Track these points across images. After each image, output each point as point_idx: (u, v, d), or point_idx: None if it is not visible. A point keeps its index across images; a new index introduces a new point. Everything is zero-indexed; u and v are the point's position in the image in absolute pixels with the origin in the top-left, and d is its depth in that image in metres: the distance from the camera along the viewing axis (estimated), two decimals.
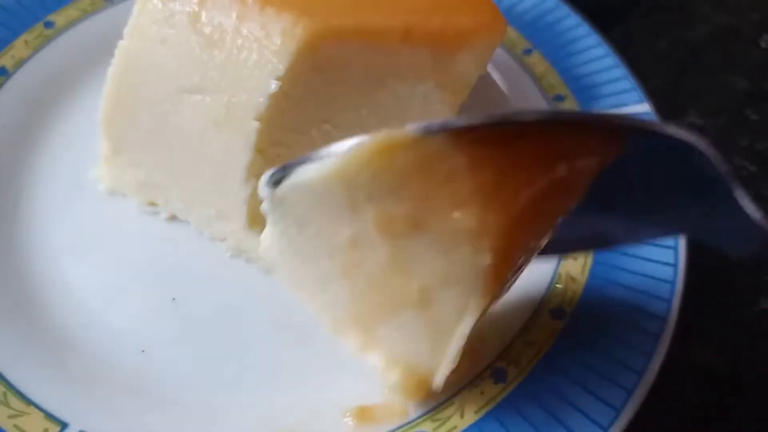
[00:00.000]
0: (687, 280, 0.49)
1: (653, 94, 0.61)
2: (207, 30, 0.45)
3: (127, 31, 0.48)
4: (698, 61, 0.76)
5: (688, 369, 0.52)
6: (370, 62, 0.47)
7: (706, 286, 0.55)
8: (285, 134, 0.47)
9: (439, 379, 0.40)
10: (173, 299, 0.50)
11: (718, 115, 0.70)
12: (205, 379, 0.46)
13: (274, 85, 0.44)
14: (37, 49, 0.61)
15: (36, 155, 0.57)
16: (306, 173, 0.36)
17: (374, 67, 0.47)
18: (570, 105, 0.59)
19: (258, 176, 0.47)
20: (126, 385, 0.46)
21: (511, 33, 0.63)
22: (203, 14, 0.45)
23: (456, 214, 0.33)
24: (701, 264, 0.52)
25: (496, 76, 0.61)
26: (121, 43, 0.48)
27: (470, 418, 0.42)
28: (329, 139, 0.49)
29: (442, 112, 0.51)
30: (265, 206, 0.40)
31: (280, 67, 0.43)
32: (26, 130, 0.58)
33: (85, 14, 0.64)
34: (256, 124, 0.45)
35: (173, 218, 0.53)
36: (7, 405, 0.43)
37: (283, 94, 0.44)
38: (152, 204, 0.54)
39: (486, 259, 0.34)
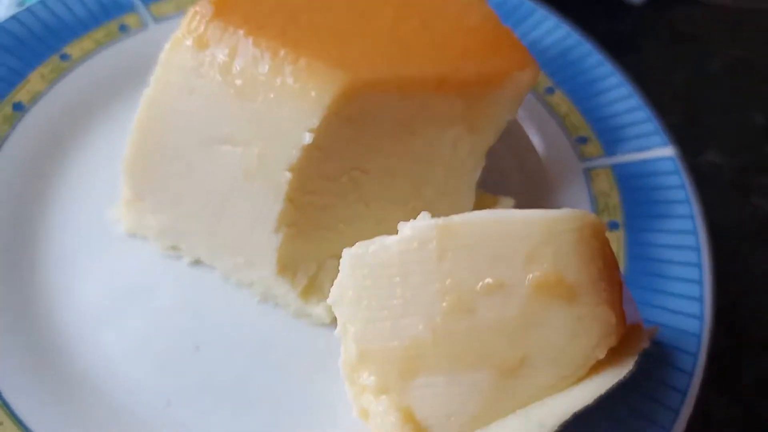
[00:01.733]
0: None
1: (671, 131, 0.60)
2: (238, 81, 0.44)
3: (152, 79, 0.47)
4: (714, 96, 0.76)
5: (712, 420, 0.52)
6: (401, 111, 0.47)
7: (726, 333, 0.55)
8: (315, 182, 0.47)
9: None
10: (197, 347, 0.49)
11: (736, 153, 0.70)
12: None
13: (308, 138, 0.43)
14: (52, 83, 0.61)
15: (54, 193, 0.56)
16: None
17: (406, 115, 0.47)
18: (593, 147, 0.59)
19: (288, 224, 0.47)
20: None
21: None
22: (235, 65, 0.44)
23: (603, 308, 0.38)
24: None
25: (519, 115, 0.61)
26: (147, 92, 0.48)
27: None
28: (358, 184, 0.49)
29: (472, 155, 0.51)
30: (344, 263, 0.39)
31: (314, 120, 0.43)
32: (44, 166, 0.57)
33: (101, 45, 0.64)
34: (288, 175, 0.45)
35: (197, 262, 0.53)
36: None
37: (315, 146, 0.44)
38: (175, 248, 0.53)
39: (600, 354, 0.38)
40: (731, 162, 0.69)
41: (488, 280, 0.38)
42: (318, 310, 0.50)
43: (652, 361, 0.47)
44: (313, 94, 0.43)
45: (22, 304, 0.50)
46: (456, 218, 0.38)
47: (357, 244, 0.39)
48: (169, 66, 0.46)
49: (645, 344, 0.41)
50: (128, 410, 0.46)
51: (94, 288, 0.51)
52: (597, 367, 0.39)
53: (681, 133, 0.70)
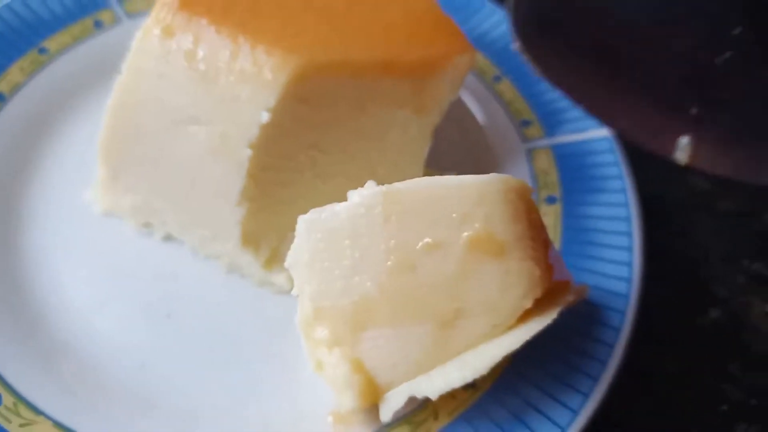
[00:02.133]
0: (642, 293, 0.54)
1: None
2: (202, 66, 0.49)
3: (124, 66, 0.51)
4: None
5: (642, 372, 0.57)
6: (352, 92, 0.51)
7: (661, 297, 0.60)
8: (275, 160, 0.51)
9: (404, 393, 0.43)
10: (168, 315, 0.53)
11: None
12: (201, 390, 0.50)
13: (265, 117, 0.48)
14: (31, 75, 0.65)
15: (33, 177, 0.60)
16: None
17: (357, 96, 0.52)
18: (535, 130, 0.64)
19: (250, 199, 0.51)
20: (128, 396, 0.49)
21: (483, 61, 0.68)
22: (199, 52, 0.49)
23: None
24: (657, 276, 0.57)
25: (469, 101, 0.66)
26: (120, 78, 0.52)
27: (443, 420, 0.47)
28: (315, 162, 0.53)
29: (419, 135, 0.55)
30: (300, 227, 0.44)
31: (271, 100, 0.47)
32: (23, 153, 0.61)
33: (77, 40, 0.67)
34: (249, 152, 0.49)
35: (168, 238, 0.57)
36: (18, 415, 0.46)
37: (273, 124, 0.48)
38: (147, 225, 0.57)
39: (527, 304, 0.42)
40: None
41: (427, 239, 0.42)
42: (280, 279, 0.54)
43: (584, 319, 0.52)
44: (269, 76, 0.47)
45: (4, 278, 0.54)
46: (399, 185, 0.43)
47: (311, 210, 0.44)
48: (139, 53, 0.50)
49: (571, 298, 0.46)
50: (105, 371, 0.50)
51: (72, 263, 0.55)
52: (525, 317, 0.43)
53: None
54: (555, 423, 0.46)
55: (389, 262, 0.43)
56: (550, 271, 0.45)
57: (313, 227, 0.44)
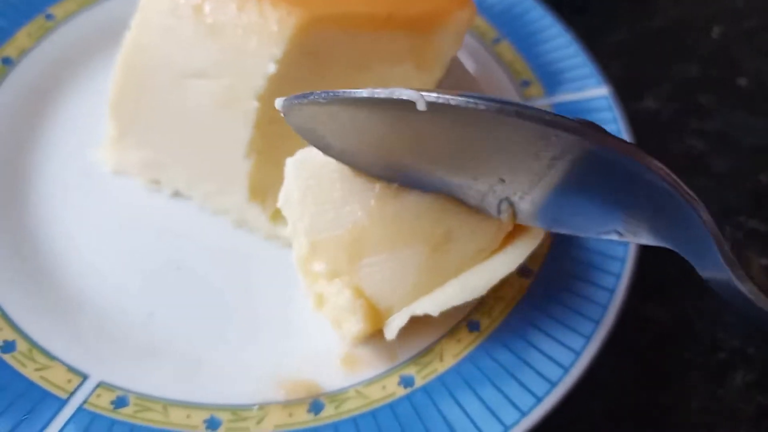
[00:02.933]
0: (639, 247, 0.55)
1: (613, 80, 0.67)
2: (209, 20, 0.50)
3: (133, 21, 0.52)
4: (654, 50, 0.82)
5: (642, 321, 0.58)
6: (354, 46, 0.52)
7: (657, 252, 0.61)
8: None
9: (402, 317, 0.45)
10: (178, 268, 0.55)
11: (672, 100, 0.77)
12: (206, 338, 0.51)
13: (272, 68, 0.49)
14: (39, 40, 0.65)
15: (41, 140, 0.61)
16: None
17: (358, 50, 0.52)
18: (535, 89, 0.65)
19: (258, 152, 0.52)
20: (137, 342, 0.50)
21: (482, 23, 0.69)
22: (206, 6, 0.50)
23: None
24: None
25: (468, 63, 0.67)
26: (128, 33, 0.53)
27: (449, 362, 0.48)
28: None
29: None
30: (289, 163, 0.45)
31: (277, 52, 0.48)
32: (32, 115, 0.62)
33: (83, 7, 0.68)
34: (256, 104, 0.50)
35: (177, 195, 0.58)
36: (33, 360, 0.47)
37: (279, 76, 0.49)
38: (156, 182, 0.58)
39: (508, 227, 0.44)
40: (668, 107, 0.76)
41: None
42: (287, 232, 0.55)
43: (584, 266, 0.53)
44: (275, 28, 0.48)
45: (16, 235, 0.55)
46: None
47: (298, 151, 0.45)
48: (147, 8, 0.51)
49: None
50: (114, 319, 0.51)
51: (82, 220, 0.56)
52: (509, 240, 0.45)
53: (622, 82, 0.76)
54: (558, 363, 0.47)
55: (376, 189, 0.44)
56: None
57: (302, 165, 0.45)
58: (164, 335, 0.51)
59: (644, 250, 0.55)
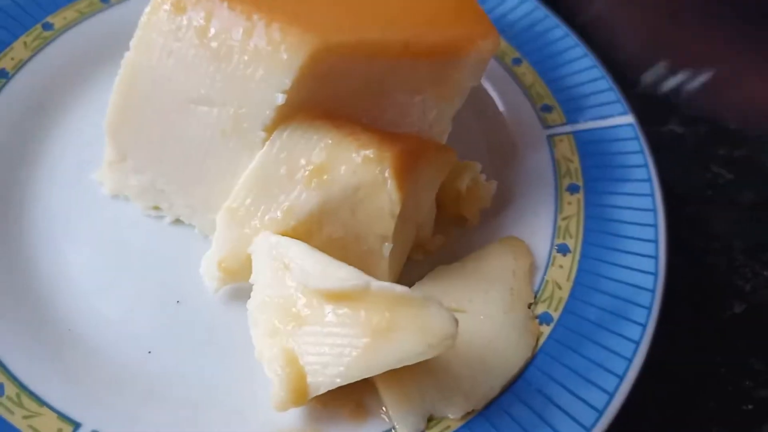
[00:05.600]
0: (666, 288, 0.52)
1: (637, 101, 0.63)
2: (214, 44, 0.46)
3: (133, 42, 0.49)
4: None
5: (666, 370, 0.55)
6: (371, 73, 0.49)
7: (682, 292, 0.58)
8: None
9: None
10: (178, 301, 0.52)
11: (698, 123, 0.73)
12: (208, 378, 0.48)
13: (280, 99, 0.46)
14: (36, 51, 0.62)
15: (38, 157, 0.58)
16: None
17: (375, 77, 0.49)
18: (557, 115, 0.61)
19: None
20: (133, 385, 0.47)
21: (501, 43, 0.65)
22: (211, 29, 0.46)
23: None
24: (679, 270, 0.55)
25: (487, 85, 0.64)
26: (128, 54, 0.49)
27: (465, 418, 0.45)
28: None
29: (438, 121, 0.53)
30: None
31: (287, 81, 0.45)
32: (28, 131, 0.59)
33: (83, 16, 0.65)
34: (262, 135, 0.47)
35: (177, 222, 0.55)
36: (21, 406, 0.44)
37: (289, 106, 0.46)
38: (156, 208, 0.55)
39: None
40: (693, 132, 0.72)
41: None
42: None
43: (608, 314, 0.50)
44: (284, 56, 0.45)
45: (8, 262, 0.52)
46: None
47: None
48: (148, 29, 0.48)
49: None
50: (111, 358, 0.48)
51: (80, 247, 0.54)
52: None
53: (646, 104, 0.73)
54: (579, 423, 0.44)
55: None
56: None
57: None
58: (162, 376, 0.48)
59: (665, 295, 0.52)
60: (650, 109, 0.72)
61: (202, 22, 0.47)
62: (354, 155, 0.46)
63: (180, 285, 0.52)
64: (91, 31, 0.65)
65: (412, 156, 0.48)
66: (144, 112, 0.51)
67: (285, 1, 0.47)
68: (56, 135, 0.60)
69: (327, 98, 0.48)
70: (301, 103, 0.47)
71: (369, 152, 0.46)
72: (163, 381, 0.48)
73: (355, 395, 0.46)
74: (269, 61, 0.45)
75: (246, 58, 0.46)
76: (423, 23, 0.50)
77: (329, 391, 0.44)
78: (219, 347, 0.50)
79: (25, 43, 0.62)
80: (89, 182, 0.57)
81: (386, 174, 0.45)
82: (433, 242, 0.55)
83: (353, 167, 0.46)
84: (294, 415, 0.46)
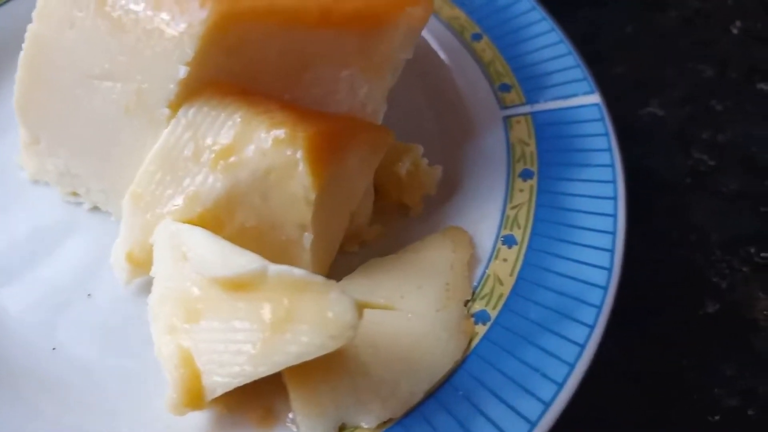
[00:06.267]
0: (633, 283, 0.47)
1: (615, 82, 0.58)
2: (115, 13, 0.42)
3: (35, 12, 0.45)
4: (666, 48, 0.73)
5: (632, 374, 0.50)
6: (288, 45, 0.44)
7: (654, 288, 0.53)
8: None
9: None
10: (89, 294, 0.48)
11: (681, 105, 0.68)
12: (116, 380, 0.44)
13: (183, 71, 0.41)
14: None
15: None
16: None
17: (294, 49, 0.45)
18: (515, 95, 0.56)
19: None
20: (38, 381, 0.44)
21: (461, 16, 0.60)
22: None
23: None
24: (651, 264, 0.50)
25: (442, 62, 0.59)
26: (31, 26, 0.46)
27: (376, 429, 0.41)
28: None
29: (370, 99, 0.48)
30: None
31: (188, 52, 0.41)
32: None
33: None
34: (167, 112, 0.43)
35: (95, 209, 0.51)
36: None
37: (194, 78, 0.42)
38: (74, 194, 0.52)
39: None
40: (675, 114, 0.67)
41: None
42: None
43: (554, 313, 0.45)
44: (185, 25, 0.41)
45: None
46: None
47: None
48: None
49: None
50: (12, 358, 0.45)
51: None
52: None
53: (625, 84, 0.67)
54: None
55: None
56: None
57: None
58: (67, 375, 0.44)
59: (634, 292, 0.47)
60: (629, 90, 0.67)
61: None
62: (264, 135, 0.41)
63: (92, 277, 0.49)
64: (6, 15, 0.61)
65: (334, 137, 0.44)
66: (49, 89, 0.47)
67: None
68: None
69: (240, 73, 0.44)
70: (209, 77, 0.43)
71: (281, 132, 0.41)
72: (67, 379, 0.44)
73: (265, 400, 0.42)
74: (170, 30, 0.41)
75: (146, 28, 0.42)
76: None
77: (237, 394, 0.41)
78: (127, 344, 0.46)
79: None
80: (12, 166, 0.54)
81: (298, 156, 0.41)
82: (369, 232, 0.50)
83: (263, 148, 0.41)
84: (195, 419, 0.42)
